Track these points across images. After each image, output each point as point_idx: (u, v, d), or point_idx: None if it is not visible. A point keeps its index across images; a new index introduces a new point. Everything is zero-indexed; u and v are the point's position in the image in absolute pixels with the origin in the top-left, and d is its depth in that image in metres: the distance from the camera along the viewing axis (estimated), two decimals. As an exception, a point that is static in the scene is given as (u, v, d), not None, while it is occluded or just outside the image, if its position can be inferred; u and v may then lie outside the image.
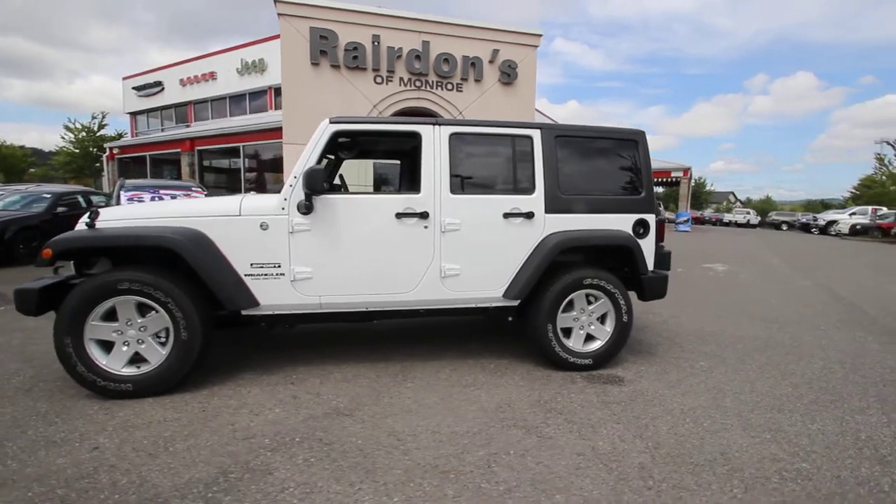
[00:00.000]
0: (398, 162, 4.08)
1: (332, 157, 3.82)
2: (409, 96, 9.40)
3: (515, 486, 1.92)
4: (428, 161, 3.05)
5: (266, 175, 16.46)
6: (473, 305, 3.23)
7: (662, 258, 3.46)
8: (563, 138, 3.28)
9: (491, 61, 9.53)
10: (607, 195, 3.36)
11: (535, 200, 3.19)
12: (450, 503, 1.80)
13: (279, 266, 2.89)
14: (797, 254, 13.35)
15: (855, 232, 22.47)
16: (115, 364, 2.67)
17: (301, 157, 2.95)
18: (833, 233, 23.58)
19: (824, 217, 25.98)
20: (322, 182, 2.72)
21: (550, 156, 3.23)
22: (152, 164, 19.24)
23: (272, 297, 2.90)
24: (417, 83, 9.34)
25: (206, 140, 16.64)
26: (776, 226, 31.13)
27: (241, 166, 16.26)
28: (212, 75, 21.91)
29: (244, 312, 2.91)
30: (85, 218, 2.77)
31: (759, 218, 35.31)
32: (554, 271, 3.20)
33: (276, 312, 2.97)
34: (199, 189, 8.07)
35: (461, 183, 3.11)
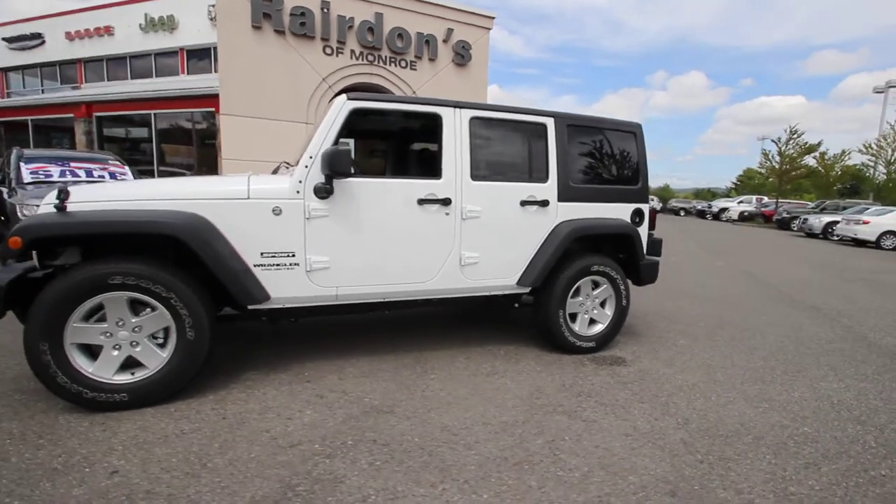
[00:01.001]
0: (410, 145, 3.87)
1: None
2: (360, 71, 8.93)
3: (588, 471, 1.97)
4: (449, 145, 2.94)
5: (180, 148, 14.83)
6: (487, 294, 3.22)
7: (654, 245, 3.70)
8: (573, 127, 3.34)
9: (445, 40, 9.35)
10: (610, 184, 3.50)
11: (548, 188, 3.23)
12: (537, 494, 1.80)
13: (293, 255, 2.64)
14: (704, 238, 15.03)
15: (743, 218, 25.80)
16: (104, 371, 2.28)
17: (316, 136, 2.68)
18: (724, 219, 26.87)
19: (717, 204, 29.49)
20: (349, 164, 2.50)
21: (562, 144, 3.27)
22: (35, 132, 16.35)
23: (285, 289, 2.65)
24: (370, 57, 8.89)
25: (107, 105, 14.47)
26: (675, 212, 34.69)
27: (153, 138, 14.45)
28: (108, 30, 19.02)
29: (250, 307, 2.62)
30: (51, 198, 2.29)
31: (660, 204, 39.09)
32: (563, 259, 3.28)
33: (287, 306, 2.72)
34: (118, 162, 7.05)
35: (481, 169, 3.04)
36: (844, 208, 17.82)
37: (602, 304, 3.51)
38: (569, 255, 3.30)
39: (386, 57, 8.97)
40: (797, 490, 1.93)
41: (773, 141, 25.44)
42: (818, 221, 16.48)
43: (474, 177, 3.00)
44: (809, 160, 26.01)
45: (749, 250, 11.81)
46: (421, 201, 2.87)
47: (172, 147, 14.83)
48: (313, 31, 8.23)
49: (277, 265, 2.61)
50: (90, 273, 2.17)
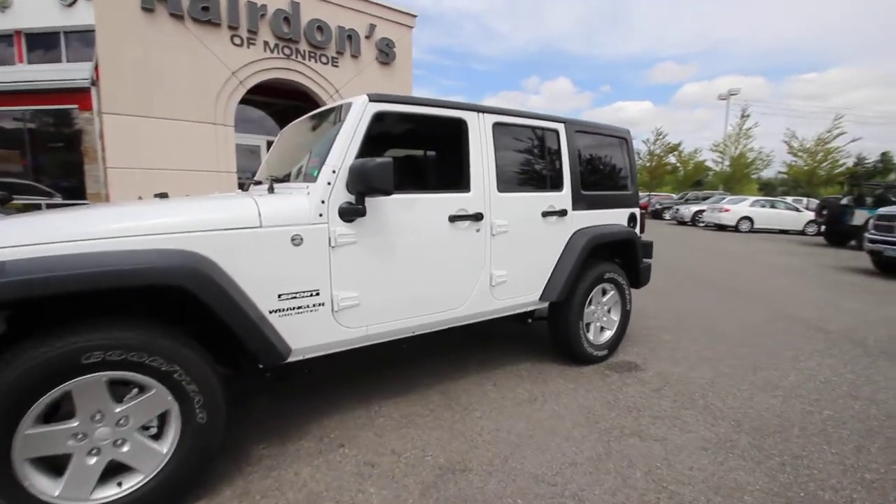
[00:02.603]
0: (421, 153, 3.39)
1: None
2: (276, 65, 7.99)
3: (707, 500, 1.87)
4: (476, 154, 2.64)
5: (11, 154, 11.97)
6: (513, 313, 2.99)
7: (646, 248, 3.80)
8: (580, 133, 3.25)
9: (368, 37, 8.80)
10: (611, 190, 3.50)
11: (564, 197, 3.10)
12: (685, 544, 1.64)
13: (317, 294, 2.13)
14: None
15: (621, 209, 28.95)
16: (77, 491, 1.58)
17: (337, 145, 2.19)
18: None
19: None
20: (391, 180, 2.07)
21: (573, 150, 3.17)
22: None
23: (308, 336, 2.13)
24: (286, 51, 8.00)
25: None
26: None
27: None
28: None
29: (269, 365, 2.06)
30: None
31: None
32: (581, 269, 3.19)
33: (308, 357, 2.19)
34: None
35: (505, 180, 2.79)
36: (705, 199, 20.95)
37: (609, 310, 3.50)
38: (585, 265, 3.21)
39: (304, 51, 8.16)
40: (872, 477, 2.05)
41: (643, 142, 29.09)
42: (688, 211, 19.13)
43: (500, 188, 2.74)
44: (670, 158, 30.23)
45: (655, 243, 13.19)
46: (452, 218, 2.53)
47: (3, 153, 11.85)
48: (218, 17, 7.13)
49: (299, 308, 2.08)
50: (52, 353, 1.47)
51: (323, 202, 2.11)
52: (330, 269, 2.15)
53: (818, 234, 15.34)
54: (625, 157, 3.63)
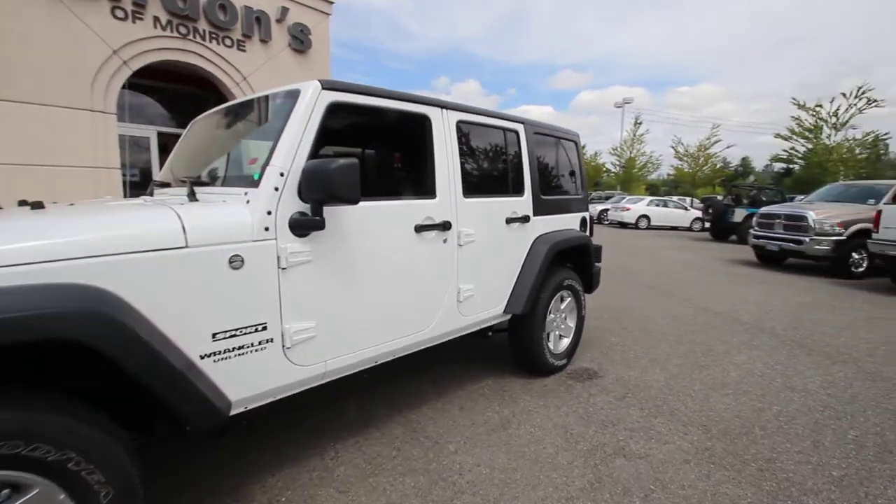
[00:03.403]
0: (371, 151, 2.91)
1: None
2: (169, 45, 6.89)
3: (713, 525, 1.78)
4: (441, 155, 2.35)
5: None
6: (479, 328, 2.75)
7: (596, 252, 3.78)
8: (538, 135, 3.10)
9: (279, 20, 7.99)
10: (565, 195, 3.41)
11: (525, 202, 2.93)
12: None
13: (264, 328, 1.69)
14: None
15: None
16: None
17: (284, 142, 1.76)
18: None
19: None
20: (358, 186, 1.69)
21: (533, 153, 3.01)
22: None
23: (252, 382, 1.68)
24: (182, 29, 6.94)
25: None
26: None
27: None
28: None
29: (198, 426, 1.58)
30: None
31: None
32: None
33: (252, 407, 1.74)
34: None
35: (469, 184, 2.53)
36: (607, 198, 22.68)
37: (565, 318, 3.42)
38: (547, 273, 3.07)
39: (204, 31, 7.16)
40: (839, 473, 2.13)
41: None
42: (594, 210, 20.54)
43: (466, 194, 2.48)
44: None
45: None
46: (419, 228, 2.21)
47: None
48: (94, -16, 5.96)
49: (240, 348, 1.63)
50: None
51: (269, 213, 1.68)
52: (279, 295, 1.72)
53: (703, 229, 17.33)
54: (575, 161, 3.57)
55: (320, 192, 1.67)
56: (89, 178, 6.27)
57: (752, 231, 9.12)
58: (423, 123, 2.29)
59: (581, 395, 2.92)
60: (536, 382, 3.10)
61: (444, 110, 2.39)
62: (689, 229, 18.00)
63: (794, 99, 19.62)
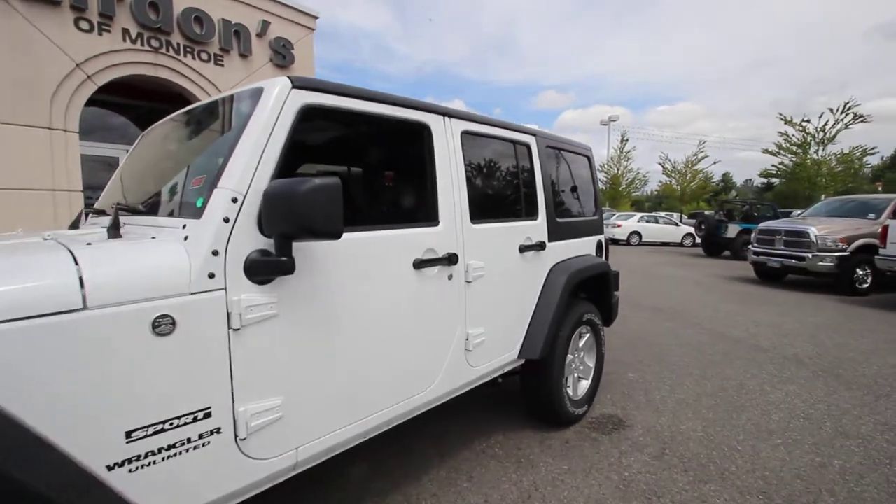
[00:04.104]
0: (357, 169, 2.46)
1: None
2: (139, 59, 6.43)
3: None
4: (444, 173, 1.91)
5: None
6: (490, 378, 2.29)
7: (615, 279, 3.37)
8: (550, 149, 2.70)
9: (260, 35, 7.60)
10: (580, 217, 3.00)
11: (540, 227, 2.50)
12: None
13: (206, 415, 1.21)
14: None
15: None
16: None
17: (240, 155, 1.31)
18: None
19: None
20: (341, 215, 1.24)
21: (546, 170, 2.60)
22: None
23: (190, 493, 1.19)
24: (154, 43, 6.49)
25: None
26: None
27: None
28: None
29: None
30: None
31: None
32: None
33: (194, 522, 1.24)
34: None
35: (478, 207, 2.10)
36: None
37: (583, 356, 2.97)
38: (566, 308, 2.64)
39: (179, 45, 6.72)
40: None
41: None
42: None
43: (474, 219, 2.04)
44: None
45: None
46: (419, 263, 1.76)
47: None
48: (54, -7, 5.50)
49: (171, 447, 1.15)
50: None
51: (216, 253, 1.22)
52: (230, 367, 1.24)
53: (693, 245, 17.19)
54: (588, 177, 3.18)
55: (288, 224, 1.21)
56: (46, 202, 5.70)
57: (751, 247, 8.86)
58: (421, 134, 1.86)
59: (611, 455, 2.45)
60: (555, 437, 2.63)
61: (448, 118, 1.97)
62: (681, 245, 17.86)
63: (780, 114, 19.87)
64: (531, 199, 2.48)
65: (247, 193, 1.28)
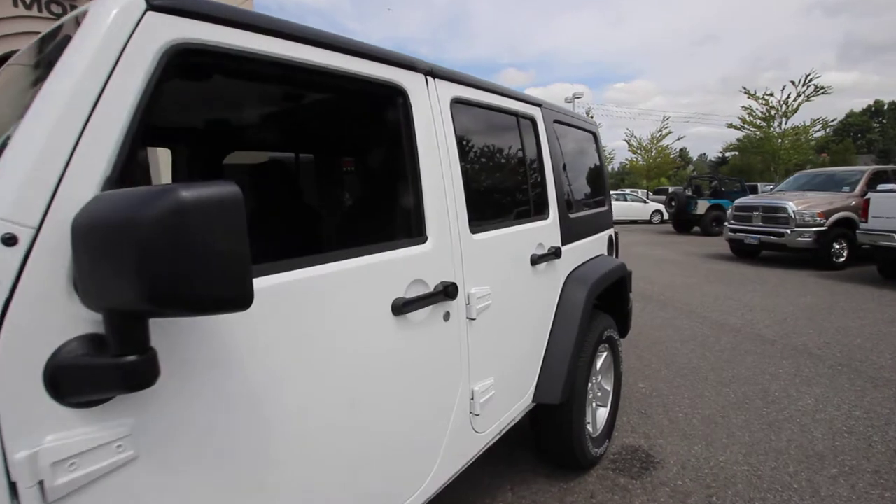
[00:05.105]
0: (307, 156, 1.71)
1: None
2: (37, 28, 5.36)
3: None
4: (431, 161, 1.27)
5: None
6: (499, 437, 1.70)
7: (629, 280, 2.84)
8: (558, 124, 2.09)
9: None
10: (591, 209, 2.43)
11: (552, 227, 1.91)
12: None
13: None
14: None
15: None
16: None
17: (18, 146, 0.62)
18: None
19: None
20: (248, 258, 0.59)
21: (556, 152, 1.99)
22: None
23: None
24: (55, 8, 5.41)
25: None
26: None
27: None
28: None
29: None
30: None
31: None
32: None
33: None
34: None
35: (477, 208, 1.47)
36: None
37: (600, 379, 2.44)
38: (586, 331, 2.07)
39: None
40: None
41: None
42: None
43: (473, 226, 1.41)
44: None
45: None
46: (401, 307, 1.12)
47: None
48: None
49: None
50: None
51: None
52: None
53: (662, 222, 17.25)
54: (597, 160, 2.61)
55: (129, 287, 0.55)
56: None
57: (727, 224, 8.68)
58: (393, 102, 1.20)
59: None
60: (576, 486, 2.11)
61: (432, 79, 1.31)
62: (649, 222, 17.86)
63: (744, 88, 20.03)
64: (540, 192, 1.87)
65: (43, 222, 0.60)
